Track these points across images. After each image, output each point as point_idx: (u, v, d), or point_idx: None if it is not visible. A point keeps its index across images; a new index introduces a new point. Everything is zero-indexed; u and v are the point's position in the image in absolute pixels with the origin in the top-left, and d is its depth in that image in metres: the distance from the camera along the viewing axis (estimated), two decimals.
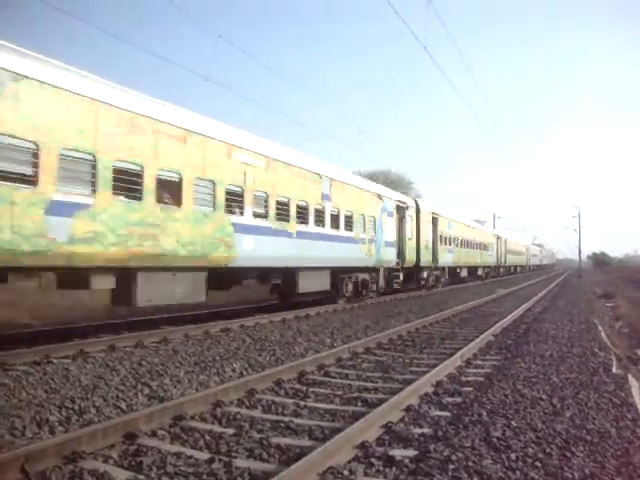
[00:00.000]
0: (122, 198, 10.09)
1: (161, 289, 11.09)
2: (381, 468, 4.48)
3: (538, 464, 4.39)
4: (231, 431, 5.45)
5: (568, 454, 4.61)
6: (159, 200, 10.90)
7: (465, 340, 11.23)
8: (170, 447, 5.01)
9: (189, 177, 11.61)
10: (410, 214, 25.47)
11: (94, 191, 9.54)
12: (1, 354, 8.64)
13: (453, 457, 4.51)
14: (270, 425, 5.67)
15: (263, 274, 15.08)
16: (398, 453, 4.79)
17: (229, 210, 12.93)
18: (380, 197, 22.15)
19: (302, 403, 6.53)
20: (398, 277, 23.89)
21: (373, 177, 32.14)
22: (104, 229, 9.63)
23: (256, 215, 13.93)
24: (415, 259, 25.84)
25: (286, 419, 5.84)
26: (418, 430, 5.47)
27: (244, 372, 8.24)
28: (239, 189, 13.29)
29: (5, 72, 8.24)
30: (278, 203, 14.82)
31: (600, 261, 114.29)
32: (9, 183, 8.26)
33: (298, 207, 15.79)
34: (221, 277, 13.22)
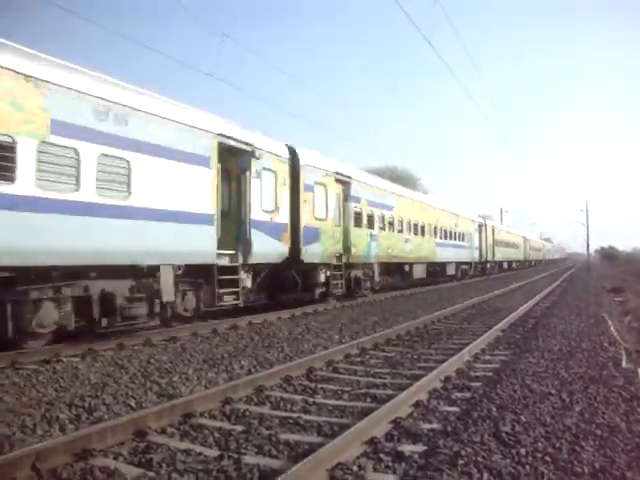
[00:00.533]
0: None
1: None
2: (390, 464, 4.48)
3: (548, 459, 4.38)
4: (240, 428, 5.46)
5: (578, 449, 4.60)
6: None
7: (473, 335, 11.21)
8: (179, 444, 5.03)
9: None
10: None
11: None
12: (11, 353, 8.70)
13: (462, 452, 4.51)
14: (279, 422, 5.67)
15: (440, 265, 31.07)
16: (407, 448, 4.79)
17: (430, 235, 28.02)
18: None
19: (311, 399, 6.54)
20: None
21: (380, 173, 31.78)
22: None
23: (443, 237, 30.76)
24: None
25: (295, 415, 5.84)
26: (427, 425, 5.46)
27: (252, 369, 8.25)
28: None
29: None
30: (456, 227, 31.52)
31: (608, 255, 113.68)
32: None
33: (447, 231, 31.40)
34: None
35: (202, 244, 11.87)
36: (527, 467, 4.22)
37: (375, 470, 4.37)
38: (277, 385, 7.24)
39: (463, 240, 35.57)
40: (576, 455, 4.46)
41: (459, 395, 6.64)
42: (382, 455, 4.63)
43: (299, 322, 13.74)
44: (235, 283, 12.95)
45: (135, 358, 8.93)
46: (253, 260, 13.53)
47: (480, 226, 40.48)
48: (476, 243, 39.28)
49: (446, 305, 17.60)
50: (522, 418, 5.45)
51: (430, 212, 28.84)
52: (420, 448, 4.81)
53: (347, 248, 18.65)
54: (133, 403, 6.39)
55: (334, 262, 17.81)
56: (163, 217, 10.82)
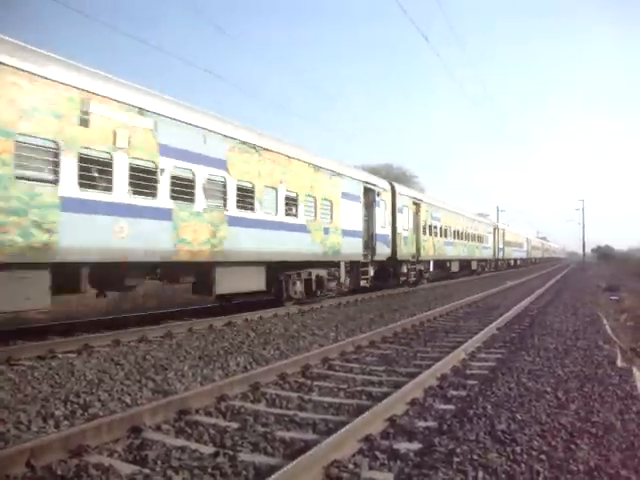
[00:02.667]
0: None
1: None
2: (386, 461, 4.48)
3: (543, 457, 4.39)
4: (235, 425, 5.45)
5: (573, 447, 4.60)
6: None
7: (469, 333, 11.22)
8: (175, 441, 5.02)
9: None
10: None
11: None
12: (7, 349, 8.68)
13: (458, 450, 4.51)
14: (274, 419, 5.67)
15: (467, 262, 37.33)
16: (403, 446, 4.79)
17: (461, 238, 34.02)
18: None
19: (306, 397, 6.53)
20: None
21: (376, 171, 31.47)
22: None
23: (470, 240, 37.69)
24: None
25: (290, 413, 5.84)
26: (423, 423, 5.47)
27: (248, 366, 8.24)
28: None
29: None
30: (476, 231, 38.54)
31: (604, 254, 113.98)
32: None
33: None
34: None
35: (357, 248, 19.63)
36: (522, 465, 4.22)
37: (371, 468, 4.37)
38: (273, 382, 7.24)
39: (482, 242, 43.50)
40: (571, 453, 4.47)
41: (455, 393, 6.65)
42: (378, 453, 4.63)
43: (295, 320, 13.74)
44: (367, 273, 20.45)
45: (131, 354, 8.92)
46: (376, 258, 21.08)
47: (494, 229, 48.63)
48: (491, 244, 47.49)
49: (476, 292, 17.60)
50: (518, 416, 5.45)
51: (460, 220, 36.53)
52: (416, 446, 4.81)
53: (418, 250, 26.21)
54: (128, 400, 6.37)
55: (410, 259, 25.23)
56: (346, 234, 18.64)
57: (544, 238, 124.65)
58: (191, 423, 5.51)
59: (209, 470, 4.32)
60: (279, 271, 15.11)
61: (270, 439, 5.02)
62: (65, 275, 9.14)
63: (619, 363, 8.18)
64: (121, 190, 9.92)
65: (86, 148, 9.29)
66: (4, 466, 4.13)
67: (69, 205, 8.90)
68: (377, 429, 5.20)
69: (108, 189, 9.68)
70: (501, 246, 52.13)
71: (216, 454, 4.63)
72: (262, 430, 5.27)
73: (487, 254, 45.54)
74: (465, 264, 38.06)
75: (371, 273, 20.85)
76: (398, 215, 23.38)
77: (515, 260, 64.20)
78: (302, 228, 15.87)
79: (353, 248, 19.18)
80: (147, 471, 4.30)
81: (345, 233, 18.50)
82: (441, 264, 31.80)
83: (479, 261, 42.73)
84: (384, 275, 23.18)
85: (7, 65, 8.09)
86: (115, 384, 7.06)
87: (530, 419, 5.39)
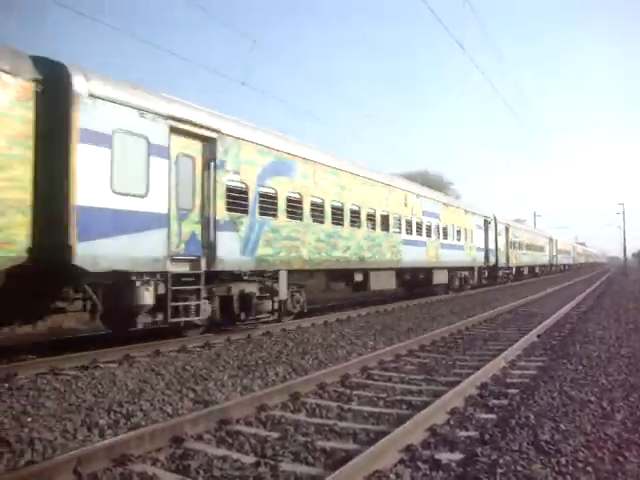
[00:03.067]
0: None
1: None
2: (428, 472, 4.44)
3: (589, 469, 4.29)
4: (276, 435, 5.48)
5: (621, 459, 4.49)
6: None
7: (509, 341, 11.06)
8: (216, 451, 5.06)
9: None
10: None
11: None
12: (52, 359, 8.87)
13: (501, 461, 4.45)
14: (314, 429, 5.67)
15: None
16: (444, 456, 4.74)
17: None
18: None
19: (346, 406, 6.52)
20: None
21: (412, 178, 31.28)
22: None
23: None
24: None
25: (330, 422, 5.83)
26: (464, 433, 5.41)
27: (287, 376, 8.27)
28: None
29: None
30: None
31: None
32: None
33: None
34: None
35: (481, 258, 31.30)
36: (568, 477, 4.14)
37: (412, 478, 4.34)
38: (312, 392, 7.24)
39: (542, 251, 55.40)
40: (620, 466, 4.36)
41: (496, 402, 6.56)
42: (419, 463, 4.60)
43: (333, 328, 13.73)
44: (484, 274, 32.84)
45: (170, 364, 9.03)
46: (488, 264, 32.65)
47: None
48: (547, 252, 57.74)
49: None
50: (561, 426, 5.35)
51: (529, 235, 49.88)
52: (457, 456, 4.76)
53: (507, 259, 38.23)
54: (169, 409, 6.45)
55: (504, 266, 37.44)
56: (478, 249, 30.91)
57: (583, 243, 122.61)
58: (232, 433, 5.55)
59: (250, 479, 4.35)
60: (452, 272, 26.62)
61: (311, 449, 5.03)
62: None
63: None
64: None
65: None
66: (53, 473, 4.23)
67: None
68: (418, 439, 5.16)
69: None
70: (554, 254, 63.34)
71: (257, 464, 4.65)
72: (302, 440, 5.28)
73: (545, 261, 56.72)
74: (531, 269, 49.55)
75: (486, 274, 32.51)
76: (498, 237, 34.59)
77: (564, 265, 75.15)
78: (460, 247, 27.74)
79: (480, 258, 31.05)
80: None
81: (477, 249, 30.44)
82: (518, 269, 42.65)
83: (540, 266, 54.08)
84: (490, 276, 33.88)
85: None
86: (156, 394, 7.15)
87: (574, 429, 5.28)
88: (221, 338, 11.61)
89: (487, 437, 5.18)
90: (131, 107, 9.76)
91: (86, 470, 4.42)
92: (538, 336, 11.81)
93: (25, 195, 8.11)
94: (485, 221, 32.38)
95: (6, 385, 7.60)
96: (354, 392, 7.25)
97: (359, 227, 17.47)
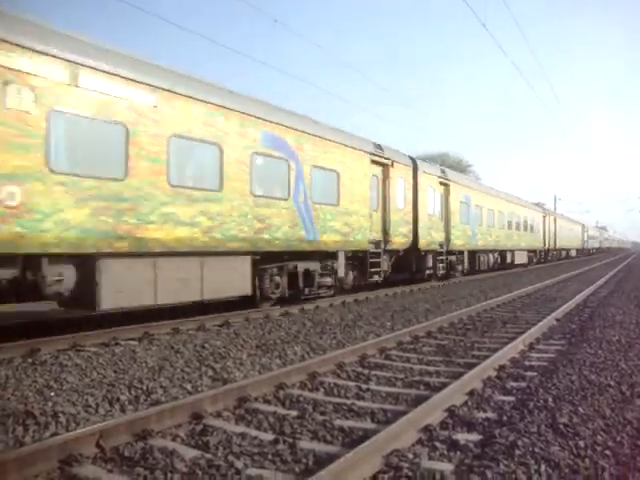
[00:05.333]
0: None
1: None
2: (445, 452, 4.45)
3: (608, 452, 4.27)
4: (294, 413, 5.52)
5: None
6: None
7: (527, 324, 11.01)
8: (235, 428, 5.12)
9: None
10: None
11: None
12: (73, 335, 9.00)
13: (519, 442, 4.44)
14: (333, 408, 5.71)
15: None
16: (462, 437, 4.75)
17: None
18: None
19: (364, 386, 6.54)
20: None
21: (433, 160, 31.13)
22: None
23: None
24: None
25: (348, 402, 5.86)
26: (482, 414, 5.41)
27: (305, 355, 8.32)
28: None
29: None
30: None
31: None
32: None
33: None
34: None
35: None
36: (586, 460, 4.12)
37: (431, 458, 4.35)
38: (330, 371, 7.28)
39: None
40: (639, 450, 4.34)
41: (514, 384, 6.55)
42: (437, 443, 4.61)
43: (351, 309, 13.77)
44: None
45: (190, 342, 9.12)
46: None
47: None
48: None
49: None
50: (580, 409, 5.32)
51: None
52: (476, 437, 4.77)
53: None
54: (189, 387, 6.53)
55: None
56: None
57: (604, 228, 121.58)
58: (251, 411, 5.61)
59: (269, 457, 4.40)
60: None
61: (329, 427, 5.06)
62: None
63: None
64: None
65: None
66: (77, 445, 4.32)
67: None
68: (436, 419, 5.17)
69: None
70: (586, 239, 72.22)
71: (276, 441, 4.70)
72: (321, 419, 5.32)
73: (578, 244, 66.77)
74: (567, 251, 59.76)
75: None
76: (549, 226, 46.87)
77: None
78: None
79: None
80: (209, 456, 4.41)
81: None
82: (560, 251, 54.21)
83: (576, 249, 65.95)
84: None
85: None
86: (175, 371, 7.24)
87: (593, 413, 5.25)
88: (240, 317, 11.69)
89: (505, 419, 5.18)
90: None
91: (109, 443, 4.51)
92: (557, 320, 11.75)
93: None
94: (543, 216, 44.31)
95: (29, 360, 7.74)
96: (372, 372, 7.28)
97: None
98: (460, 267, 25.18)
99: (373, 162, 16.89)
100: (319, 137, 14.16)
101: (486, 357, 7.67)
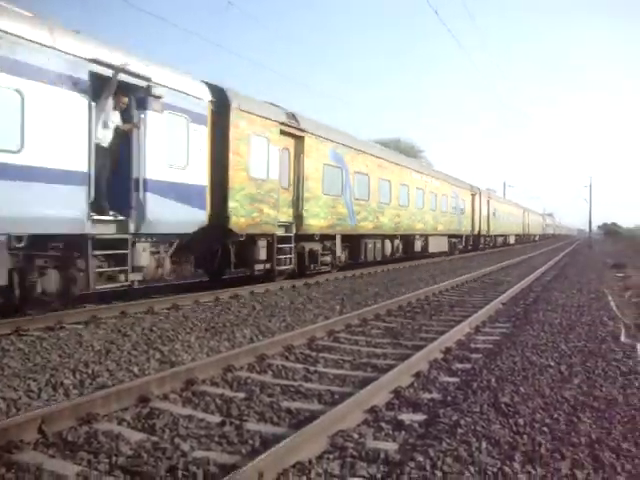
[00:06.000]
0: None
1: None
2: (390, 432, 4.54)
3: (545, 429, 4.43)
4: (242, 395, 5.53)
5: (575, 420, 4.65)
6: None
7: (474, 308, 11.26)
8: (182, 410, 5.09)
9: None
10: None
11: None
12: (16, 319, 8.76)
13: (462, 422, 4.56)
14: (280, 390, 5.74)
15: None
16: (407, 417, 4.86)
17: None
18: None
19: (312, 368, 6.60)
20: None
21: (386, 145, 31.41)
22: None
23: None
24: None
25: (296, 384, 5.90)
26: (427, 395, 5.53)
27: (254, 338, 8.32)
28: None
29: None
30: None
31: (611, 231, 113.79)
32: None
33: None
34: None
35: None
36: (525, 437, 4.27)
37: (375, 438, 4.43)
38: (279, 354, 7.30)
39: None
40: (573, 426, 4.51)
41: (459, 366, 6.71)
42: (382, 424, 4.69)
43: (301, 292, 13.81)
44: None
45: (137, 325, 8.99)
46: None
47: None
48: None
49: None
50: (521, 389, 5.50)
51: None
52: (420, 417, 4.87)
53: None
54: (136, 370, 6.45)
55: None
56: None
57: (551, 215, 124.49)
58: (198, 393, 5.59)
59: (216, 439, 4.39)
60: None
61: (276, 409, 5.09)
62: None
63: (623, 339, 8.21)
64: None
65: None
66: (17, 431, 4.21)
67: None
68: (382, 400, 5.26)
69: None
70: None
71: (223, 423, 4.70)
72: (268, 400, 5.34)
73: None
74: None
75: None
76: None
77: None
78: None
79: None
80: (155, 439, 4.38)
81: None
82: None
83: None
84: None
85: None
86: (122, 354, 7.14)
87: (533, 392, 5.43)
88: (189, 300, 11.58)
89: (449, 399, 5.31)
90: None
91: (51, 429, 4.41)
92: (503, 303, 12.06)
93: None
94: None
95: None
96: (320, 354, 7.34)
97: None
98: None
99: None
100: None
101: (433, 339, 7.82)
